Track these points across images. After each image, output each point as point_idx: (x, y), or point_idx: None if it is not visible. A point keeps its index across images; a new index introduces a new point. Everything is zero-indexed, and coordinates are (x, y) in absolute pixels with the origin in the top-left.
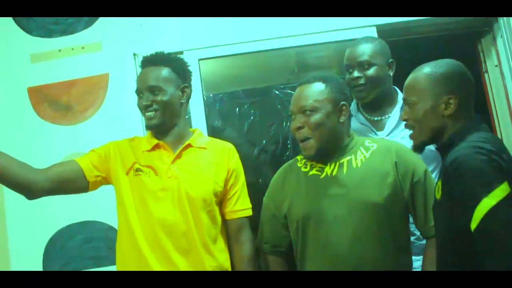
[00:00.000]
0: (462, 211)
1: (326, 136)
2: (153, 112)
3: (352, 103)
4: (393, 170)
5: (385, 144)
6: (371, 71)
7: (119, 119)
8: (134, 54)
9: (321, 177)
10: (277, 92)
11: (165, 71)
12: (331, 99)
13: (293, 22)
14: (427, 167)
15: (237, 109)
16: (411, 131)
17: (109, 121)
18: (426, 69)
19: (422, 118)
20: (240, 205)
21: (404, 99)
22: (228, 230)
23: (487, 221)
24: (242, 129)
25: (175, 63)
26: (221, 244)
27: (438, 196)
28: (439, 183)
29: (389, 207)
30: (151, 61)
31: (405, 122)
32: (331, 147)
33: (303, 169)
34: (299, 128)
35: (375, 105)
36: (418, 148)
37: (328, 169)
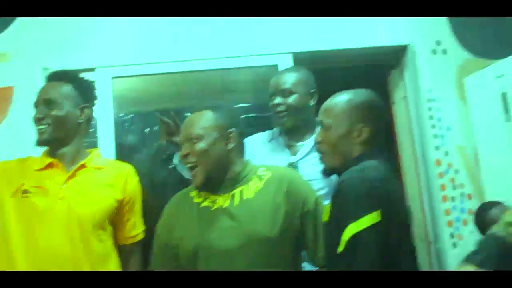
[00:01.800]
0: (338, 233)
1: (212, 163)
2: (45, 126)
3: (276, 128)
4: (285, 200)
5: (278, 173)
6: (291, 99)
7: (22, 134)
8: (44, 69)
9: (213, 208)
10: (189, 114)
11: (66, 88)
12: (217, 126)
13: (210, 44)
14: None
15: (147, 130)
16: (321, 155)
17: (11, 136)
18: (346, 96)
19: (335, 142)
20: (134, 231)
21: (320, 121)
22: (120, 254)
23: (348, 246)
24: (151, 150)
25: (79, 82)
26: (113, 266)
27: (325, 218)
28: (328, 205)
29: (281, 239)
30: (56, 76)
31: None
32: (220, 175)
33: (195, 200)
34: (186, 155)
35: (296, 131)
36: (327, 172)
37: (220, 201)
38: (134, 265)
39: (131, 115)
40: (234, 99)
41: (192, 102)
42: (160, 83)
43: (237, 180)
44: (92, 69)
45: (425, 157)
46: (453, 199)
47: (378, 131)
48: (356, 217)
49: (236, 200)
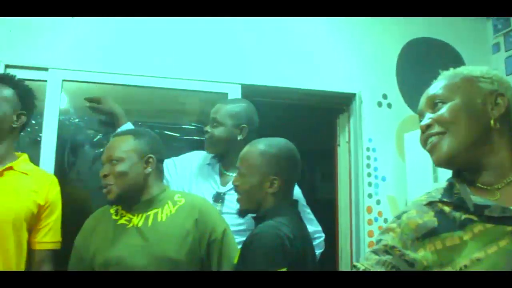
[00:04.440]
0: None
1: (128, 184)
2: None
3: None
4: (194, 227)
5: (192, 201)
6: (216, 130)
7: None
8: None
9: (128, 227)
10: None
11: (7, 91)
12: (137, 150)
13: (164, 63)
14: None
15: (91, 136)
16: (238, 196)
17: None
18: (260, 146)
19: (248, 189)
20: (50, 238)
21: (237, 167)
22: (31, 260)
23: None
24: (89, 158)
25: (21, 89)
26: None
27: (235, 261)
28: (240, 249)
29: (187, 262)
30: (0, 79)
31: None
32: (134, 196)
33: (113, 217)
34: (105, 176)
35: (229, 160)
36: (241, 213)
37: (135, 220)
38: None
39: (77, 120)
40: (181, 120)
41: (136, 117)
42: (109, 93)
43: (153, 203)
44: (45, 69)
45: (357, 203)
46: None
47: (289, 182)
48: (265, 270)
49: (150, 221)
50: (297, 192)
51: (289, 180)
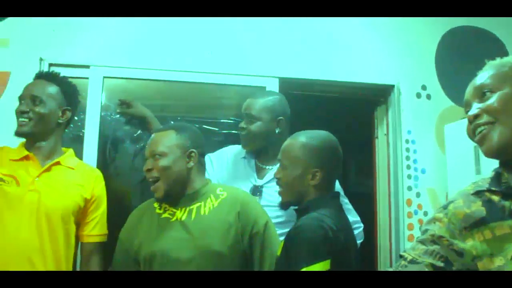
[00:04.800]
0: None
1: (173, 179)
2: (27, 120)
3: None
4: (236, 220)
5: (234, 194)
6: (253, 126)
7: (10, 120)
8: (41, 59)
9: (171, 220)
10: (172, 122)
11: (53, 88)
12: (180, 145)
13: (202, 58)
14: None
15: (132, 131)
16: (279, 189)
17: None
18: (302, 138)
19: (290, 182)
20: (98, 230)
21: (278, 160)
22: (81, 253)
23: None
24: (130, 153)
25: (66, 86)
26: (70, 265)
27: (278, 253)
28: (283, 241)
29: (230, 255)
30: (45, 76)
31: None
32: (180, 191)
33: (157, 211)
34: (149, 170)
35: (264, 154)
36: (283, 206)
37: (178, 214)
38: (94, 266)
39: (118, 116)
40: (218, 115)
41: (175, 112)
42: (148, 89)
43: (195, 197)
44: (86, 66)
45: (397, 196)
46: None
47: (332, 174)
48: (308, 263)
49: (193, 215)
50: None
51: (331, 172)
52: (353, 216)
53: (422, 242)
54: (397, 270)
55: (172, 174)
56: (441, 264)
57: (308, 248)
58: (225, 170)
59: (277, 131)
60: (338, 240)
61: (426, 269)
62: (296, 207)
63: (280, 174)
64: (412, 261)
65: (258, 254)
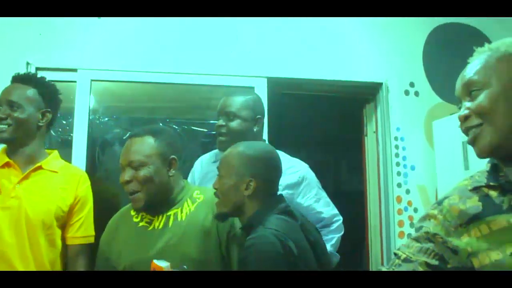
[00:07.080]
0: None
1: (154, 189)
2: (6, 126)
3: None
4: (214, 223)
5: (210, 197)
6: (233, 123)
7: None
8: (28, 63)
9: (149, 229)
10: (160, 124)
11: (30, 91)
12: (160, 153)
13: (190, 60)
14: None
15: (120, 134)
16: (217, 200)
17: None
18: (239, 148)
19: (225, 191)
20: (82, 232)
21: (217, 169)
22: (68, 255)
23: None
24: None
25: (43, 87)
26: (58, 269)
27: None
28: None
29: (209, 260)
30: (21, 79)
31: None
32: (160, 200)
33: (134, 219)
34: (128, 182)
35: None
36: (219, 217)
37: (156, 222)
38: (80, 269)
39: (106, 119)
40: (207, 116)
41: (164, 114)
42: (137, 91)
43: (173, 203)
44: (74, 70)
45: (387, 193)
46: (409, 236)
47: (267, 184)
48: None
49: (170, 222)
50: (311, 175)
51: (267, 183)
52: (331, 210)
53: (416, 239)
54: (391, 269)
55: (154, 186)
56: (436, 262)
57: (265, 262)
58: (197, 178)
59: (255, 130)
60: (290, 251)
61: (420, 268)
62: (241, 227)
63: (216, 184)
64: (406, 260)
65: (236, 257)
